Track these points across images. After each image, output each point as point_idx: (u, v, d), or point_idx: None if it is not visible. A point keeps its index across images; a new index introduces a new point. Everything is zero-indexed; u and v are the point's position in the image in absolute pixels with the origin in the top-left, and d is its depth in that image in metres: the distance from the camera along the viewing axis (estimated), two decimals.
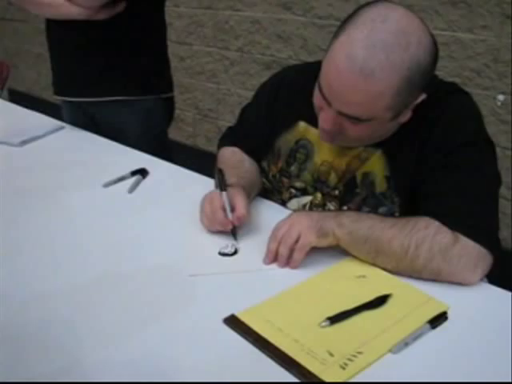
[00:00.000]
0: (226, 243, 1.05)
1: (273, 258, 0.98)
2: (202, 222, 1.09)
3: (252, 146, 1.26)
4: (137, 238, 1.09)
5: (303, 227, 0.96)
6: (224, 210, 1.04)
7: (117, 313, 0.85)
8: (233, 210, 1.05)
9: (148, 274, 0.96)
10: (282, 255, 0.97)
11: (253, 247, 1.03)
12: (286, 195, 1.22)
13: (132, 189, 1.32)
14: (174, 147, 1.89)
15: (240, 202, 1.05)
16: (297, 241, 0.96)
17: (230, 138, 1.34)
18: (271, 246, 0.98)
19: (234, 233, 1.05)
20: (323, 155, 1.14)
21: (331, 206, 1.14)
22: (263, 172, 1.25)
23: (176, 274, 0.96)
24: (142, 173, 1.40)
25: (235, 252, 1.02)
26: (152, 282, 0.94)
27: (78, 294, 0.89)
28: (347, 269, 0.97)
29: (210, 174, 1.31)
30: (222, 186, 1.07)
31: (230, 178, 1.14)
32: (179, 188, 1.31)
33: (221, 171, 1.11)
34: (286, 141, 1.20)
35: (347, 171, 1.11)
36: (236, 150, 1.28)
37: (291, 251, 0.96)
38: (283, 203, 1.22)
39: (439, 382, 0.71)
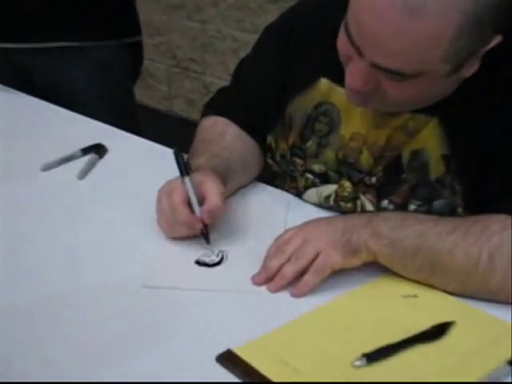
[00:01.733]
0: (211, 249, 1.07)
1: (267, 278, 0.99)
2: (160, 227, 1.09)
3: (252, 116, 1.27)
4: (90, 242, 1.09)
5: (324, 243, 0.97)
6: (188, 203, 1.05)
7: (63, 348, 0.85)
8: (202, 202, 1.06)
9: (106, 292, 0.96)
10: (283, 276, 0.97)
11: (248, 255, 1.04)
12: (300, 183, 1.22)
13: (83, 174, 1.32)
14: (142, 114, 1.90)
15: (210, 188, 1.06)
16: (313, 261, 0.97)
17: (218, 104, 1.34)
18: (273, 262, 0.99)
19: (205, 234, 1.06)
20: (353, 125, 1.14)
21: (366, 199, 1.15)
22: (269, 151, 1.26)
23: (147, 291, 0.98)
24: (98, 150, 1.39)
25: (220, 261, 1.04)
26: (112, 303, 0.94)
27: (13, 321, 0.90)
28: (389, 286, 0.98)
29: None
30: (182, 169, 1.08)
31: (198, 158, 1.15)
32: (150, 171, 1.31)
33: (178, 151, 1.11)
34: (300, 106, 1.20)
35: (388, 149, 1.11)
36: (220, 120, 1.29)
37: (301, 274, 0.97)
38: (299, 193, 1.23)
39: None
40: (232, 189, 1.20)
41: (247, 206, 1.20)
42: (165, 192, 1.08)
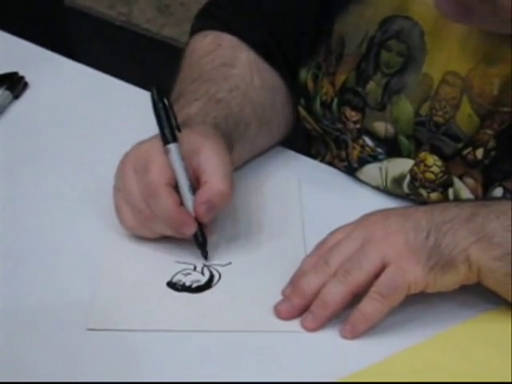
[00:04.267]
0: (190, 262, 0.90)
1: (300, 308, 0.82)
2: (121, 219, 0.92)
3: (277, 35, 1.09)
4: None
5: (395, 248, 0.82)
6: (175, 187, 0.89)
7: None
8: (195, 184, 0.90)
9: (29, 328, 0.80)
10: (326, 303, 0.81)
11: (255, 270, 0.90)
12: (354, 152, 1.03)
13: None
14: (81, 25, 1.73)
15: (211, 163, 0.90)
16: (376, 277, 0.82)
17: (222, 10, 1.15)
18: (309, 280, 0.83)
19: (201, 241, 0.89)
20: (446, 58, 0.96)
21: (464, 186, 0.97)
22: (303, 96, 1.07)
23: (94, 335, 0.81)
24: (12, 85, 1.22)
25: (209, 283, 0.88)
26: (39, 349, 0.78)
27: None
28: (504, 324, 0.84)
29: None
30: (165, 129, 0.90)
31: (188, 105, 0.98)
32: (99, 120, 1.14)
33: (160, 93, 0.91)
34: (358, 21, 1.02)
35: (504, 101, 0.92)
36: (225, 39, 1.10)
37: (352, 296, 0.81)
38: (351, 170, 1.04)
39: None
40: (243, 157, 1.01)
41: (255, 186, 1.01)
42: (134, 163, 0.89)
